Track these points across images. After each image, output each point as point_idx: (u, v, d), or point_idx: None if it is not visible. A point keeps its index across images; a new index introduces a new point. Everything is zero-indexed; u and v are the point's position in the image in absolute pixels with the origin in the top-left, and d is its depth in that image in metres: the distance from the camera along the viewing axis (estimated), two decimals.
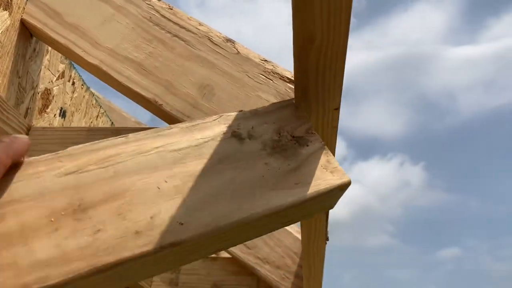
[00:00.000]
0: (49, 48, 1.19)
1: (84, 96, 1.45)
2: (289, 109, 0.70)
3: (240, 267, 1.52)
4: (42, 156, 0.55)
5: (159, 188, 0.55)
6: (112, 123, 1.71)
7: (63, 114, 1.31)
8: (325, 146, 0.65)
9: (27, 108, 1.11)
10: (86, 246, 0.48)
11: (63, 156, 0.55)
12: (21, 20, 1.04)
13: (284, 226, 0.63)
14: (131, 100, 0.99)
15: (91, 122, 1.52)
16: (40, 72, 1.16)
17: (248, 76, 0.94)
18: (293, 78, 0.93)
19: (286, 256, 1.46)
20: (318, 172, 0.61)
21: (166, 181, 0.56)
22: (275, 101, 0.92)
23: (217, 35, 1.00)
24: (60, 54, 1.25)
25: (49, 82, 1.23)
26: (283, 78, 0.93)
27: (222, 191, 0.57)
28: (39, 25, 1.04)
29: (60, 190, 0.52)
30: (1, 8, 0.98)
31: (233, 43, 0.99)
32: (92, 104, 1.53)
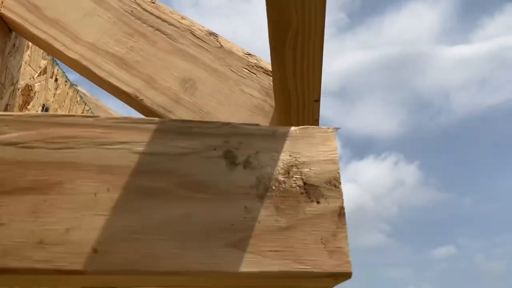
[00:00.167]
0: (30, 44, 1.17)
1: (67, 93, 1.43)
2: (319, 139, 0.52)
3: None
4: (2, 114, 0.49)
5: (95, 195, 0.46)
6: None
7: (45, 110, 1.29)
8: (343, 213, 0.48)
9: (7, 105, 1.08)
10: None
11: (14, 122, 0.48)
12: None
13: None
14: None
15: None
16: (20, 68, 1.14)
17: (231, 70, 0.92)
18: None
19: None
20: (313, 245, 0.46)
21: (108, 190, 0.46)
22: (259, 95, 0.91)
23: (199, 29, 0.99)
24: (42, 50, 1.23)
25: (30, 78, 1.21)
26: (267, 72, 0.92)
27: (171, 226, 0.45)
28: (18, 20, 1.01)
29: None
30: None
31: (216, 36, 0.98)
32: (77, 101, 1.50)
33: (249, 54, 0.96)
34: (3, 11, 1.02)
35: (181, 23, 1.00)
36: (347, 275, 0.46)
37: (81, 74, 0.98)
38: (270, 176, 0.49)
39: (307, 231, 0.47)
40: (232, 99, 0.89)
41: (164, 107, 0.90)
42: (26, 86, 1.19)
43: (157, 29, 0.98)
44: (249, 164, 0.49)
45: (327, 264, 0.46)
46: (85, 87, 1.55)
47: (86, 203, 0.46)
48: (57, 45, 0.97)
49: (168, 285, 0.49)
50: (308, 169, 0.49)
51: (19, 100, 1.16)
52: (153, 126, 0.50)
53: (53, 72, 1.33)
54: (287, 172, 0.49)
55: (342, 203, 0.48)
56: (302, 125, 0.71)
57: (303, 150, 0.51)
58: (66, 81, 1.42)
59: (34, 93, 1.23)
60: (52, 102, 1.34)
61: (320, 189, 0.49)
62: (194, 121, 0.51)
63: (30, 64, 1.20)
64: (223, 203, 0.47)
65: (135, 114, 0.93)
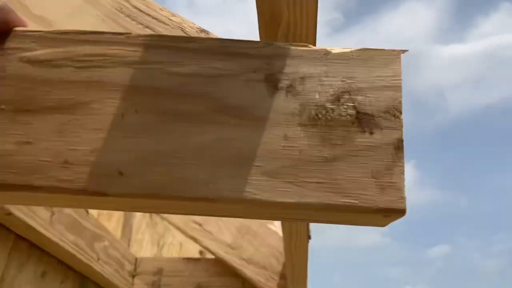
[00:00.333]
0: None
1: None
2: (381, 62, 0.46)
3: (224, 268, 1.46)
4: (30, 30, 0.48)
5: (122, 117, 0.44)
6: None
7: None
8: (401, 146, 0.42)
9: None
10: (3, 154, 0.42)
11: (42, 38, 0.47)
12: None
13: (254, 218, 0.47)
14: None
15: None
16: None
17: None
18: None
19: (271, 256, 1.41)
20: (362, 179, 0.41)
21: (137, 111, 0.44)
22: None
23: (190, 26, 0.98)
24: None
25: None
26: None
27: (203, 151, 0.42)
28: None
29: (15, 78, 0.45)
30: None
31: (207, 33, 0.98)
32: None
33: None
34: None
35: (171, 20, 0.99)
36: (399, 212, 0.40)
37: None
38: (316, 103, 0.44)
39: (356, 164, 0.42)
40: None
41: None
42: None
43: (147, 27, 0.98)
44: (293, 89, 0.44)
45: (377, 200, 0.40)
46: None
47: (113, 124, 0.43)
48: None
49: (198, 213, 0.47)
50: (363, 97, 0.44)
51: None
52: (187, 45, 0.47)
53: None
54: (338, 99, 0.44)
55: (401, 135, 0.43)
56: None
57: (360, 75, 0.45)
58: None
59: None
60: None
61: (376, 119, 0.43)
62: (233, 40, 0.47)
63: None
64: (260, 130, 0.43)
65: None
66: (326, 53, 0.46)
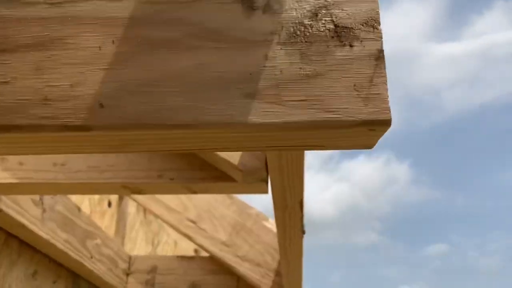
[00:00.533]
0: None
1: None
2: None
3: (219, 266, 1.45)
4: None
5: (99, 49, 0.43)
6: None
7: None
8: (382, 56, 0.42)
9: None
10: None
11: None
12: None
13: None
14: None
15: None
16: None
17: None
18: None
19: (266, 253, 1.40)
20: (344, 93, 0.41)
21: (113, 42, 0.44)
22: None
23: None
24: None
25: None
26: None
27: (183, 78, 0.42)
28: None
29: None
30: None
31: None
32: None
33: None
34: None
35: None
36: (384, 123, 0.40)
37: None
38: (294, 21, 0.43)
39: (338, 78, 0.41)
40: None
41: None
42: None
43: None
44: (270, 8, 0.44)
45: (361, 112, 0.40)
46: None
47: (90, 57, 0.43)
48: None
49: (185, 147, 0.45)
50: (340, 10, 0.44)
51: None
52: None
53: None
54: (315, 15, 0.44)
55: (381, 45, 0.42)
56: None
57: None
58: None
59: None
60: None
61: (355, 31, 0.43)
62: None
63: None
64: (240, 52, 0.43)
65: None
66: None
